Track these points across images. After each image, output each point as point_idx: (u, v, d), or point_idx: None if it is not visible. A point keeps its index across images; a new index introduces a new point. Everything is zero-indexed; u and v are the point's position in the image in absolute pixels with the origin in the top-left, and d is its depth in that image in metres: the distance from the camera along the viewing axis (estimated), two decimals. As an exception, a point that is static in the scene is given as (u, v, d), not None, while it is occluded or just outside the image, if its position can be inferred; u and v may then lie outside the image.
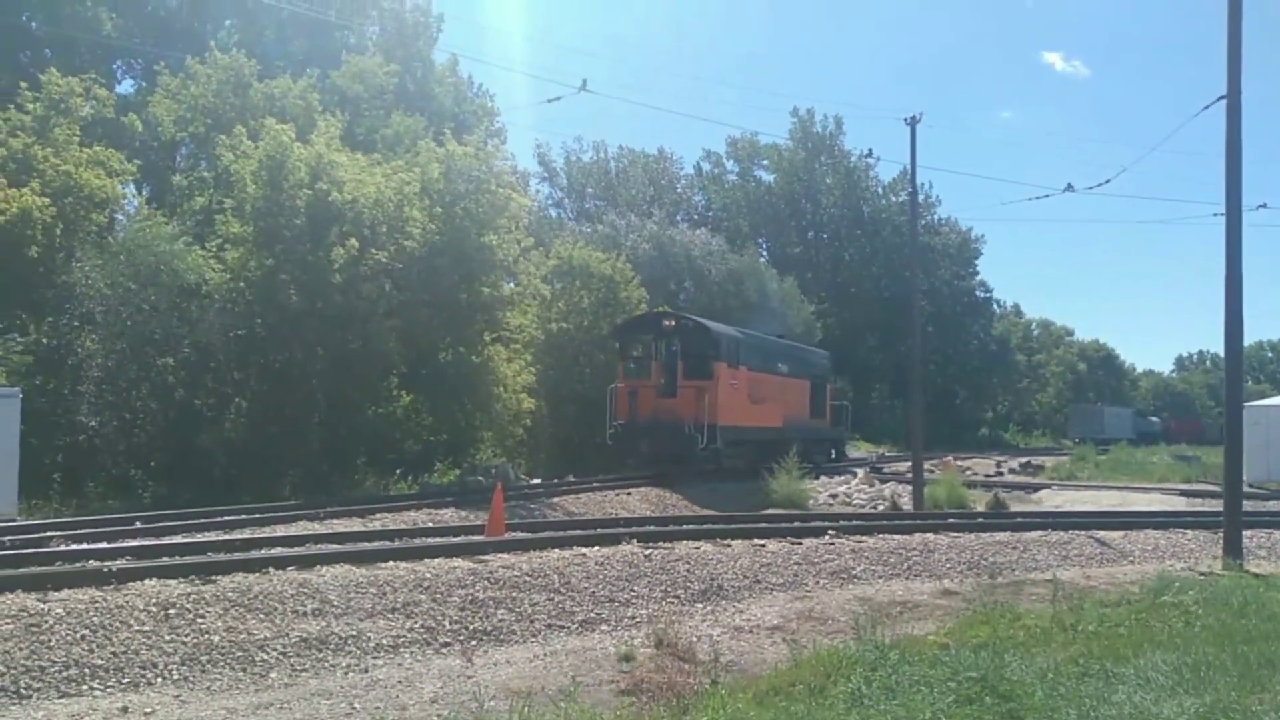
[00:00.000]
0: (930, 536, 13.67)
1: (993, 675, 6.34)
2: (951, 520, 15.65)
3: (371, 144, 25.66)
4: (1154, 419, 79.91)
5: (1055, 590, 9.85)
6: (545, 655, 7.95)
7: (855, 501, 21.13)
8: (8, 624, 6.93)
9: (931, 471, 23.55)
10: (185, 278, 18.51)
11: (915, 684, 6.34)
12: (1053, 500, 22.12)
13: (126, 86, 31.47)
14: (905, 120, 22.25)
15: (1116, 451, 40.77)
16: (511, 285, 24.90)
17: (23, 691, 6.32)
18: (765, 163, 64.84)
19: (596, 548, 11.13)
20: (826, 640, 8.43)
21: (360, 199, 19.60)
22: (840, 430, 31.76)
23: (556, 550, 10.85)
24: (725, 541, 12.09)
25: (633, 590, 9.89)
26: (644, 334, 24.14)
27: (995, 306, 75.08)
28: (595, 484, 20.29)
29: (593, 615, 9.16)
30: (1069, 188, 28.88)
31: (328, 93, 27.02)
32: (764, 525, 13.96)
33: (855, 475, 25.18)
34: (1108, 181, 23.20)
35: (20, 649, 6.67)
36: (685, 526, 13.04)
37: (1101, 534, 14.71)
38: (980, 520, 16.05)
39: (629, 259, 31.48)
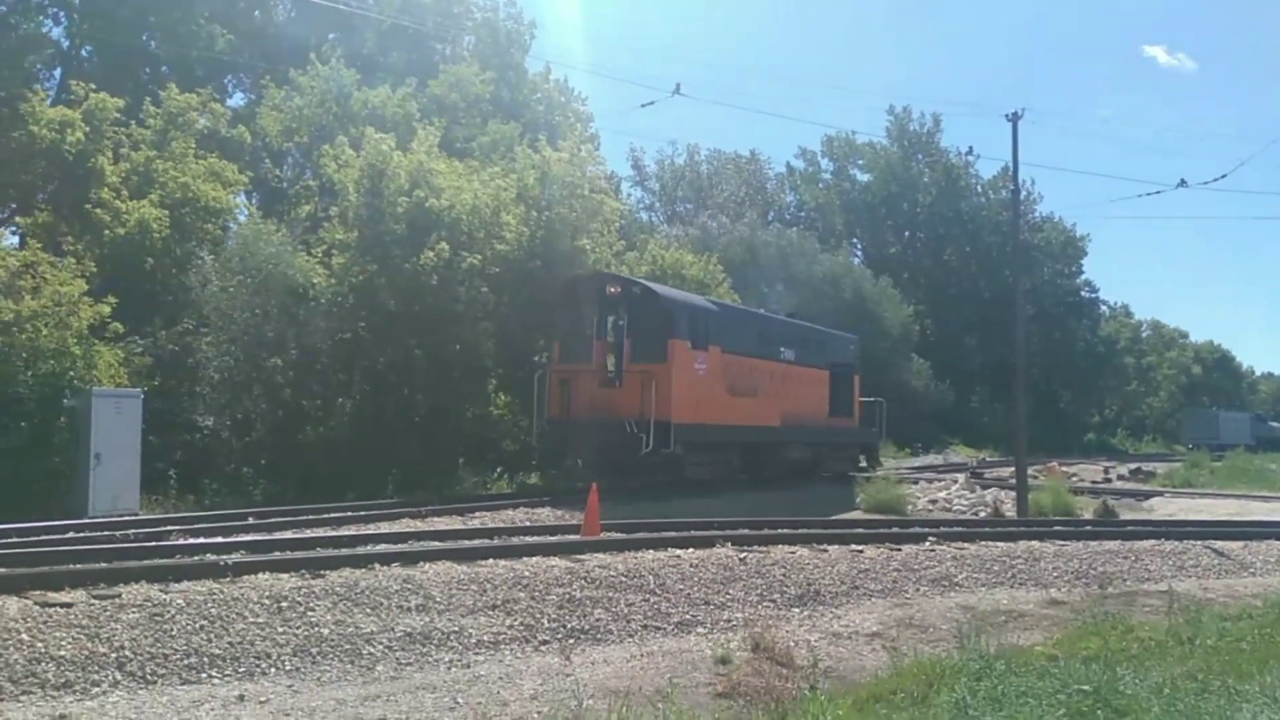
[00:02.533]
0: (1035, 544, 13.27)
1: (1105, 689, 6.13)
2: (1058, 528, 15.15)
3: (468, 151, 26.18)
4: (1275, 424, 75.76)
5: (1171, 602, 9.46)
6: (642, 656, 7.99)
7: (955, 507, 20.64)
8: (134, 613, 7.29)
9: (1035, 477, 22.85)
10: (294, 281, 19.19)
11: (1023, 696, 6.17)
12: (1165, 508, 21.20)
13: (237, 100, 32.86)
14: (1006, 116, 21.74)
15: (1233, 458, 38.81)
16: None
17: (149, 677, 6.64)
18: (861, 162, 63.90)
19: (690, 550, 11.12)
20: (928, 648, 8.27)
21: (457, 205, 20.03)
22: (871, 432, 26.03)
23: (651, 551, 10.88)
24: (822, 546, 11.95)
25: (728, 593, 9.86)
26: (583, 304, 18.75)
27: (1103, 307, 72.43)
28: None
29: (688, 617, 9.16)
30: (1182, 183, 27.42)
31: (425, 101, 27.69)
32: (861, 531, 13.74)
33: (955, 480, 24.56)
34: (1224, 176, 22.01)
35: (146, 637, 7.01)
36: (781, 531, 12.93)
37: (1219, 544, 14.04)
38: (1088, 528, 15.50)
39: (720, 261, 31.39)
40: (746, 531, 12.52)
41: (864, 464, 25.26)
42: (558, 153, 22.18)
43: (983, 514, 19.47)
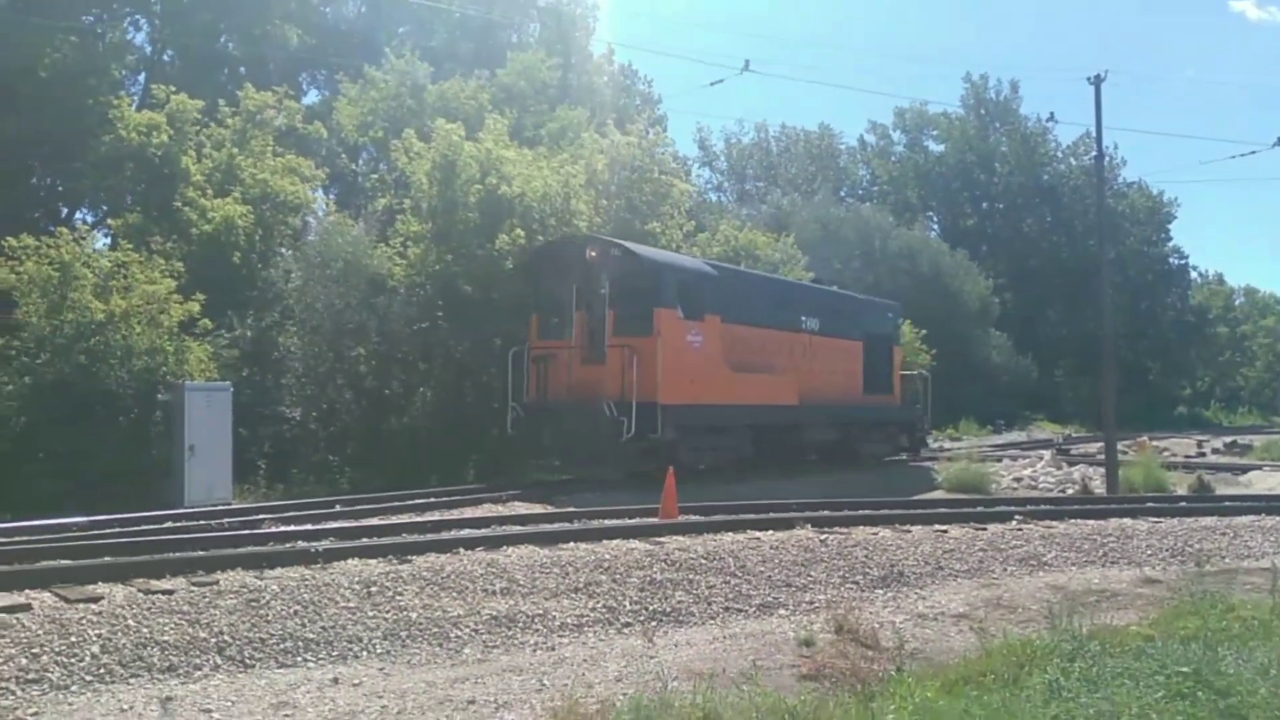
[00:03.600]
0: (1127, 521, 12.89)
1: (1206, 669, 5.92)
2: (1150, 504, 14.69)
3: (538, 139, 26.33)
4: (1381, 392, 72.08)
5: (1274, 579, 9.06)
6: (724, 637, 7.99)
7: (1042, 485, 20.14)
8: (231, 599, 7.54)
9: (1125, 453, 22.16)
10: (373, 271, 19.56)
11: (1119, 676, 6.01)
12: (1264, 482, 20.37)
13: (312, 96, 33.58)
14: (1089, 80, 21.04)
15: (1338, 428, 37.08)
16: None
17: (247, 661, 6.86)
18: (935, 132, 62.55)
19: (770, 531, 11.08)
20: (1017, 629, 8.09)
21: (528, 193, 20.17)
22: (914, 410, 23.47)
23: (730, 534, 10.87)
24: (904, 527, 11.79)
25: (809, 575, 9.79)
26: (561, 273, 16.69)
27: (1193, 274, 69.80)
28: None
29: (770, 599, 9.12)
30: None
31: (495, 91, 27.92)
32: (944, 510, 13.53)
33: (1041, 458, 23.95)
34: (1325, 132, 20.79)
35: (243, 622, 7.25)
36: (861, 512, 12.79)
37: (1325, 519, 13.45)
38: (1183, 504, 15.01)
39: (794, 239, 31.09)
40: (827, 513, 12.41)
41: (907, 445, 23.07)
42: (625, 137, 22.19)
43: (1070, 491, 18.97)
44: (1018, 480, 20.78)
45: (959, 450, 24.54)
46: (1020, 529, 12.15)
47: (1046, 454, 24.76)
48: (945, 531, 11.71)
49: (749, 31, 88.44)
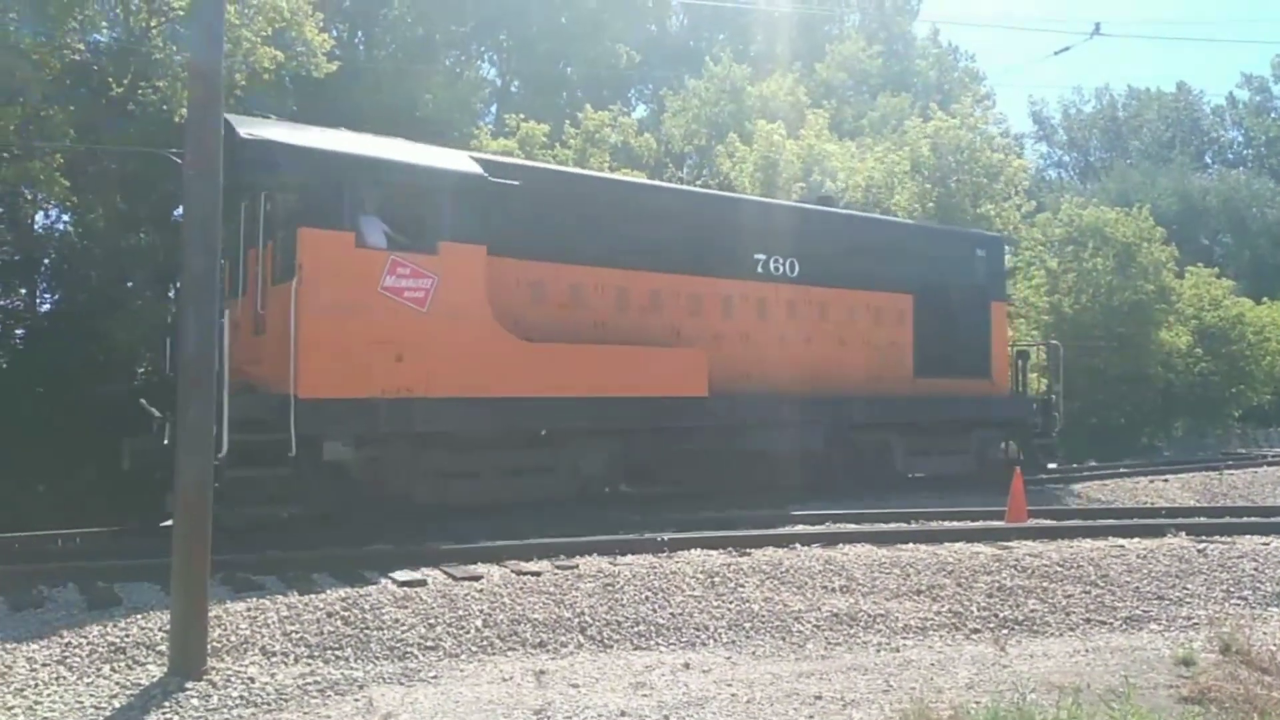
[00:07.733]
0: None
1: None
2: None
3: (859, 130, 25.91)
4: None
5: None
6: (1086, 651, 7.40)
7: None
8: (590, 583, 8.14)
9: None
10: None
11: None
12: None
13: (640, 110, 35.36)
14: None
15: None
16: (1010, 254, 23.53)
17: (606, 641, 7.38)
18: (1326, 81, 53.77)
19: (1135, 539, 10.13)
20: None
21: (850, 186, 19.93)
22: (1022, 403, 16.29)
23: (1088, 540, 10.07)
24: (1304, 537, 10.27)
25: (1185, 588, 8.82)
26: (231, 187, 7.55)
27: None
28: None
29: (1138, 612, 8.33)
30: None
31: (813, 85, 27.85)
32: (1356, 519, 11.61)
33: None
34: None
35: (601, 605, 7.80)
36: (1247, 519, 11.31)
37: None
38: None
39: (1150, 214, 28.13)
40: (1204, 520, 11.12)
41: (1015, 459, 15.88)
42: (951, 119, 21.26)
43: None
44: None
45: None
46: None
47: None
48: (1359, 545, 10.05)
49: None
